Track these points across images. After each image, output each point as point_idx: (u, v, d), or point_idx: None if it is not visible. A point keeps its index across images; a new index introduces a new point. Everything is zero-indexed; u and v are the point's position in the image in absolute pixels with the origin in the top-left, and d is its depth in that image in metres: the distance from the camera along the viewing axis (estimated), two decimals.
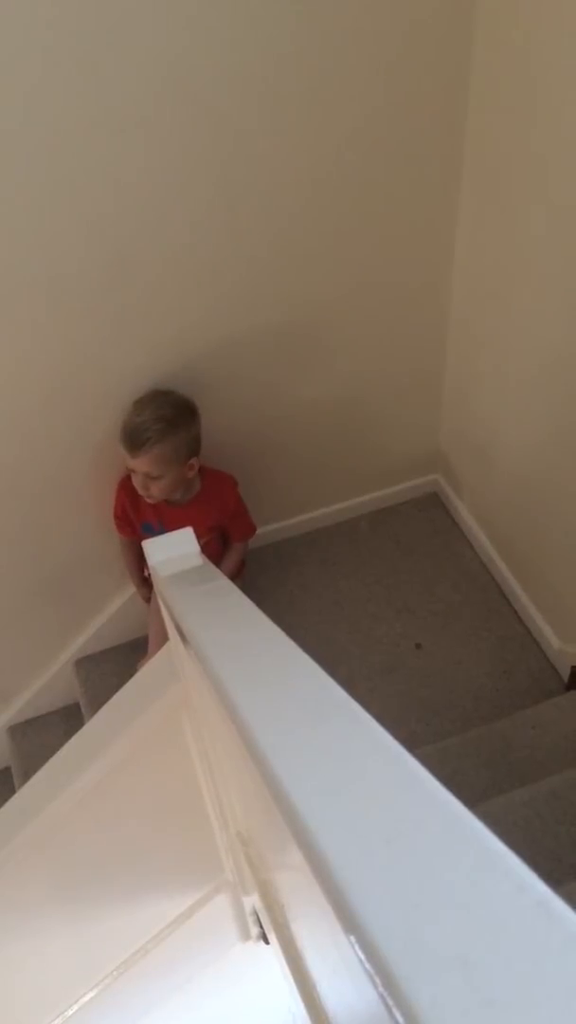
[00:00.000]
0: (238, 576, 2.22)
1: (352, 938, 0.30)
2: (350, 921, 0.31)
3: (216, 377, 1.87)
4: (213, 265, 1.64)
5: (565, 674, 2.09)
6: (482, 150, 1.60)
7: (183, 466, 1.79)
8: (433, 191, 1.71)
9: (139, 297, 1.62)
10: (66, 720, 2.48)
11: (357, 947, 0.30)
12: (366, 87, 1.48)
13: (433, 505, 2.54)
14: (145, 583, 2.17)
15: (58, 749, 1.16)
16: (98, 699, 2.26)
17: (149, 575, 2.18)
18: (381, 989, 0.27)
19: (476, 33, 1.46)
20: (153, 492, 1.81)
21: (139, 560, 2.13)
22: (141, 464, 1.75)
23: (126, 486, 1.92)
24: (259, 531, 2.20)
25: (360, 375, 2.08)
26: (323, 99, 1.46)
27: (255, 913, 1.51)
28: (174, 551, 0.95)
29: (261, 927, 1.52)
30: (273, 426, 2.10)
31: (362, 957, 0.29)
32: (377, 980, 0.27)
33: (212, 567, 0.95)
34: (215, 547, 2.08)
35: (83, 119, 1.33)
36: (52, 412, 1.74)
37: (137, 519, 1.97)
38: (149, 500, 1.85)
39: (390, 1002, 0.26)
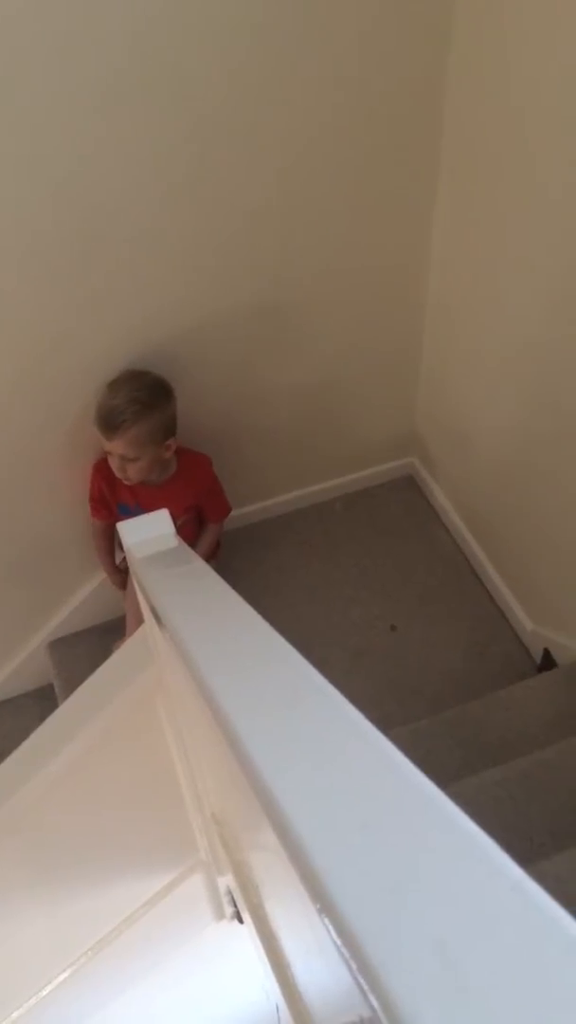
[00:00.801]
0: (213, 558, 2.21)
1: (327, 921, 0.30)
2: (324, 904, 0.31)
3: (192, 357, 1.85)
4: (189, 242, 1.62)
5: (537, 655, 2.11)
6: (460, 131, 1.59)
7: (160, 447, 1.78)
8: (411, 170, 1.70)
9: (114, 275, 1.60)
10: (40, 702, 2.47)
11: (332, 930, 0.30)
12: (344, 64, 1.46)
13: (409, 487, 2.55)
14: (117, 571, 2.15)
15: (32, 731, 1.16)
16: (72, 681, 2.25)
17: (122, 561, 2.17)
18: (356, 973, 0.27)
19: (456, 11, 1.45)
20: (130, 474, 1.79)
21: (112, 546, 2.12)
22: (117, 447, 1.73)
23: (101, 468, 1.90)
24: (235, 513, 2.19)
25: (337, 357, 2.07)
26: (301, 76, 1.45)
27: (229, 893, 1.51)
28: (149, 532, 0.94)
29: (235, 907, 1.53)
30: (249, 407, 2.09)
31: (337, 941, 0.29)
32: (352, 964, 0.27)
33: (187, 549, 0.94)
34: (191, 529, 2.08)
35: (55, 91, 1.30)
36: (24, 391, 1.72)
37: (113, 500, 1.96)
38: (126, 482, 1.84)
39: (365, 987, 0.26)
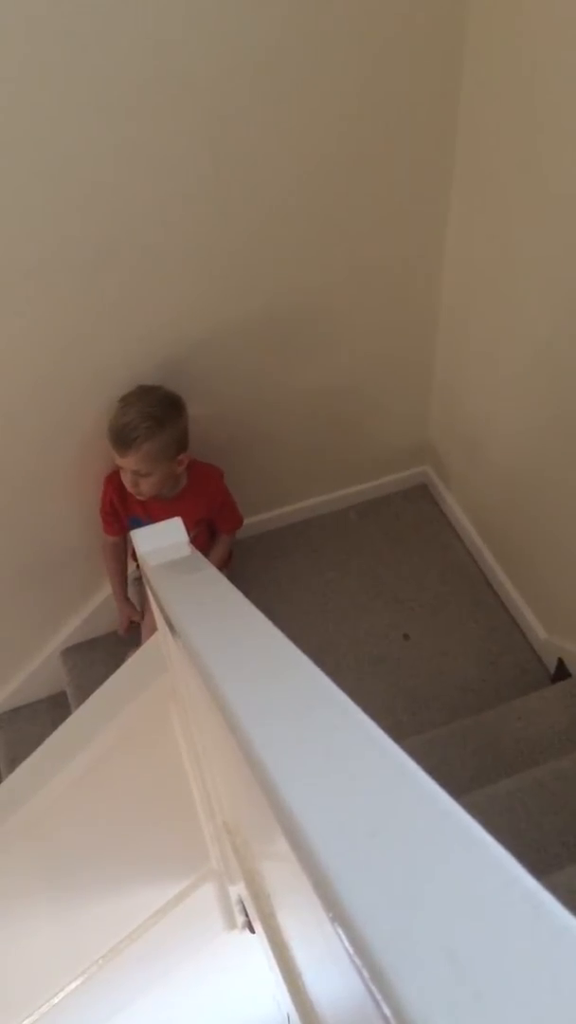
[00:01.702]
0: (225, 567, 2.22)
1: (339, 929, 0.30)
2: (337, 912, 0.31)
3: (206, 366, 1.86)
4: (201, 251, 1.63)
5: (551, 665, 2.10)
6: (475, 134, 1.59)
7: (172, 462, 1.79)
8: (425, 176, 1.70)
9: (126, 284, 1.61)
10: (53, 709, 2.48)
11: (344, 939, 0.30)
12: (359, 69, 1.47)
13: (422, 496, 2.55)
14: (127, 602, 2.14)
15: (45, 738, 1.16)
16: (85, 688, 2.26)
17: (134, 574, 2.16)
18: (368, 981, 0.27)
19: (470, 16, 1.45)
20: (143, 489, 1.80)
21: (124, 568, 2.12)
22: (130, 462, 1.74)
23: (113, 481, 1.91)
24: (248, 521, 2.20)
25: (350, 364, 2.07)
26: (316, 81, 1.45)
27: (241, 902, 1.51)
28: (163, 541, 0.95)
29: (247, 916, 1.52)
30: (263, 415, 2.09)
31: (349, 949, 0.29)
32: (365, 972, 0.27)
33: (201, 557, 0.95)
34: (203, 540, 2.08)
35: (70, 99, 1.31)
36: (38, 403, 1.73)
37: (125, 513, 1.96)
38: (139, 497, 1.85)
39: (378, 995, 0.26)
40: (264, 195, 1.58)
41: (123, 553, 2.09)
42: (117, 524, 2.00)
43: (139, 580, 2.20)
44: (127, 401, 1.74)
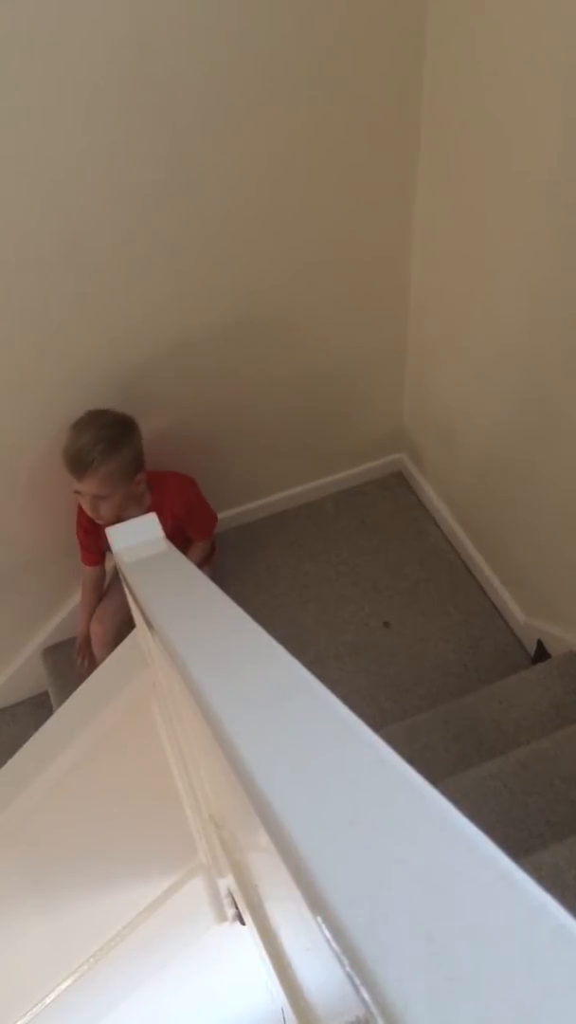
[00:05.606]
0: (207, 564, 2.20)
1: (319, 918, 0.30)
2: (316, 902, 0.31)
3: (178, 366, 1.85)
4: (169, 248, 1.62)
5: (531, 647, 2.11)
6: (439, 123, 1.60)
7: (130, 482, 1.78)
8: (390, 167, 1.70)
9: (94, 285, 1.60)
10: (35, 710, 2.47)
11: (324, 927, 0.30)
12: (320, 62, 1.46)
13: (398, 484, 2.55)
14: (87, 642, 2.16)
15: (27, 740, 1.15)
16: (67, 688, 2.25)
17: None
18: (348, 968, 0.27)
19: (431, 4, 1.45)
20: (102, 512, 1.79)
21: (96, 604, 2.14)
22: (88, 486, 1.73)
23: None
24: (225, 514, 2.19)
25: (323, 355, 2.07)
26: (277, 75, 1.45)
27: (230, 895, 1.51)
28: (138, 537, 0.94)
29: (236, 908, 1.53)
30: (236, 411, 2.09)
31: (329, 937, 0.29)
32: (344, 960, 0.28)
33: (176, 552, 0.95)
34: (179, 548, 2.06)
35: (29, 99, 1.30)
36: (10, 399, 1.72)
37: (100, 536, 1.95)
38: (100, 522, 1.83)
39: (357, 981, 0.26)
40: (228, 192, 1.58)
41: (101, 587, 2.12)
42: (96, 550, 1.98)
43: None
44: (79, 426, 1.73)
